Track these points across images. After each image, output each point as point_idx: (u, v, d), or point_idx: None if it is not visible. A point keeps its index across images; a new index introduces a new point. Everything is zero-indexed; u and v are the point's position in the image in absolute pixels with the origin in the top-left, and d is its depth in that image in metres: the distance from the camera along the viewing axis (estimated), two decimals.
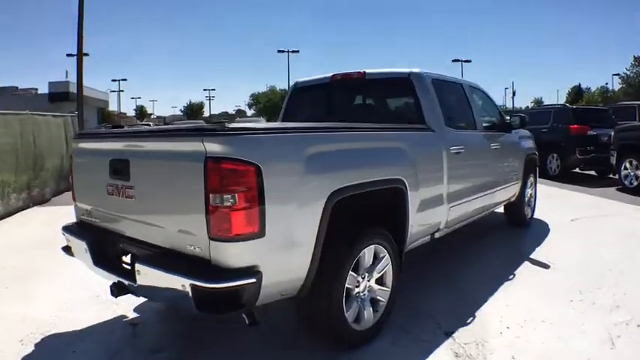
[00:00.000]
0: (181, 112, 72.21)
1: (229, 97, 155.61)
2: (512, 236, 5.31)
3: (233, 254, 2.02)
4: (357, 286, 2.66)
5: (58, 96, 30.59)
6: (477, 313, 3.12)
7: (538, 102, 47.11)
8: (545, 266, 4.10)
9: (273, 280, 2.15)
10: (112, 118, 42.32)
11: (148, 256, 2.34)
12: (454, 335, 2.82)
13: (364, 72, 3.90)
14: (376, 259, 2.78)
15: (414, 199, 3.05)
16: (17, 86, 39.53)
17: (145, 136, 2.58)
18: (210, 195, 1.99)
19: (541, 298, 3.34)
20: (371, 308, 2.75)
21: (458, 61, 45.20)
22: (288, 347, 2.73)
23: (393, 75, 3.78)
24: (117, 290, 2.51)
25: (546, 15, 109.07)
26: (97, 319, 3.15)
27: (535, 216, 5.94)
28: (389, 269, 2.86)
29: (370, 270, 2.75)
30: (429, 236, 3.51)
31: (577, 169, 10.20)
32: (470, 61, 46.33)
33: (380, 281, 2.83)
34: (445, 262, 4.31)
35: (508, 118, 5.04)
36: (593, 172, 10.66)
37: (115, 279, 2.55)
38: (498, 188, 4.60)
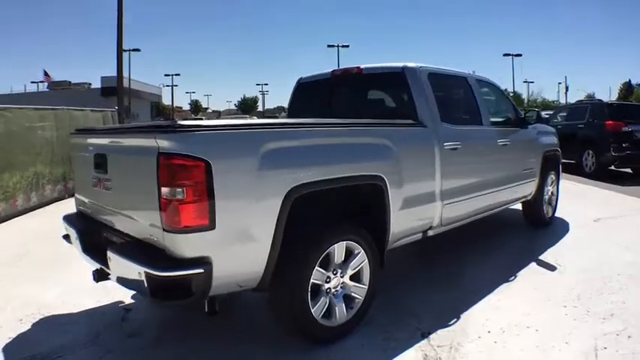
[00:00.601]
0: (236, 106, 73.71)
1: (286, 92, 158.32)
2: (528, 236, 5.07)
3: (183, 245, 2.10)
4: (328, 282, 2.65)
5: (110, 90, 32.16)
6: (463, 315, 3.03)
7: (590, 97, 44.47)
8: (552, 268, 3.90)
9: (227, 272, 2.20)
10: (167, 112, 43.42)
11: (118, 244, 2.47)
12: (431, 336, 2.76)
13: (361, 67, 3.86)
14: (350, 255, 2.76)
15: (395, 195, 2.99)
16: (70, 81, 41.21)
17: (119, 133, 2.72)
18: (162, 188, 2.09)
19: (535, 303, 3.19)
20: (344, 305, 2.73)
21: (508, 55, 43.73)
22: (263, 341, 2.74)
23: (387, 70, 3.72)
24: (98, 276, 2.66)
25: (600, 12, 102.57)
26: (96, 304, 3.34)
27: (558, 215, 5.64)
28: (365, 266, 2.83)
29: (343, 266, 2.73)
30: (421, 234, 3.43)
31: (613, 167, 9.60)
32: (520, 55, 44.78)
33: (356, 278, 2.81)
34: (449, 261, 4.18)
35: (523, 113, 4.82)
36: (629, 170, 10.02)
37: (99, 266, 2.70)
38: (508, 186, 4.41)
